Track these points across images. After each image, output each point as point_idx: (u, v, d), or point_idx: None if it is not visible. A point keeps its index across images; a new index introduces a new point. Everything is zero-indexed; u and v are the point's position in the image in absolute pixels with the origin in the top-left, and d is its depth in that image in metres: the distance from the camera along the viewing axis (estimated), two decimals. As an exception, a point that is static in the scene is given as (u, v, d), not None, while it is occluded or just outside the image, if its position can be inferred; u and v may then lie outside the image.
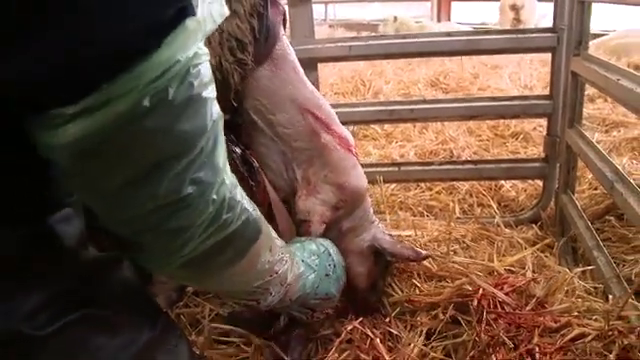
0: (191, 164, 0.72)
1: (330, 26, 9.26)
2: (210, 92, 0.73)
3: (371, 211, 1.46)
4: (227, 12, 0.77)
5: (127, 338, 0.86)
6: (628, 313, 1.24)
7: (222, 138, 0.79)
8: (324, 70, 4.59)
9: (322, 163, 1.33)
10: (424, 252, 1.45)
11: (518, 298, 1.37)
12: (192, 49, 0.68)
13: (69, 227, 0.84)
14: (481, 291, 1.33)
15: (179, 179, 0.72)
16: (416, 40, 1.94)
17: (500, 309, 1.32)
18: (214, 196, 0.78)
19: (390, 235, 1.49)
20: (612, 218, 1.84)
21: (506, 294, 1.34)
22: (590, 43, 1.79)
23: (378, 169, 2.16)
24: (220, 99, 1.17)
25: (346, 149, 1.35)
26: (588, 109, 3.21)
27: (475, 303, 1.31)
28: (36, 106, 0.63)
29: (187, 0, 0.67)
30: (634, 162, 2.29)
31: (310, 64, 1.99)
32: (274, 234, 1.04)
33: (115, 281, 0.91)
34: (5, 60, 0.57)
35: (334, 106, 2.16)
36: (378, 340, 1.33)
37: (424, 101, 2.11)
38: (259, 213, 0.95)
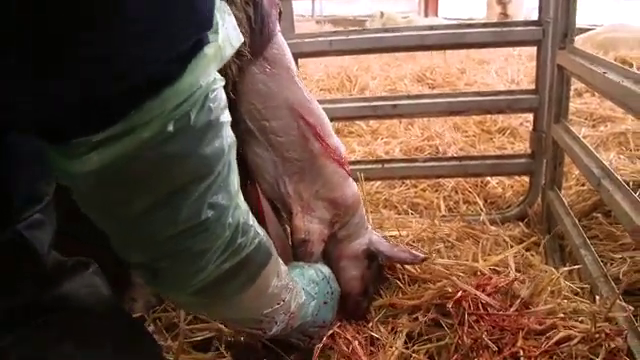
0: (209, 188, 0.73)
1: (317, 22, 9.22)
2: (226, 116, 0.74)
3: (365, 217, 1.43)
4: (242, 38, 0.78)
5: (95, 346, 0.85)
6: (615, 314, 1.20)
7: (235, 163, 0.79)
8: (310, 66, 4.55)
9: (313, 177, 1.29)
10: (422, 255, 1.43)
11: (502, 299, 1.33)
12: (212, 74, 0.69)
13: (40, 233, 0.83)
14: (460, 293, 1.29)
15: (198, 203, 0.72)
16: (398, 34, 1.89)
17: (483, 310, 1.28)
18: (230, 220, 0.79)
19: (386, 238, 1.47)
20: (599, 215, 1.80)
21: (489, 295, 1.31)
22: (578, 37, 1.76)
23: (361, 166, 2.11)
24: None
25: (336, 162, 1.31)
26: (575, 104, 3.18)
27: (455, 305, 1.28)
28: (60, 135, 0.62)
29: (205, 33, 0.67)
30: (621, 157, 2.25)
31: (290, 59, 1.94)
32: (280, 259, 1.04)
33: (83, 287, 0.90)
34: (33, 92, 0.56)
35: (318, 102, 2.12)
36: (357, 343, 1.29)
37: (408, 97, 2.06)
38: (268, 237, 0.95)
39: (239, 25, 1.12)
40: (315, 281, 1.24)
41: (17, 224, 0.79)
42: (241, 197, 0.83)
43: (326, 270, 1.31)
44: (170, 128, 0.64)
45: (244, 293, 0.91)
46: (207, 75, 0.68)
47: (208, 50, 0.67)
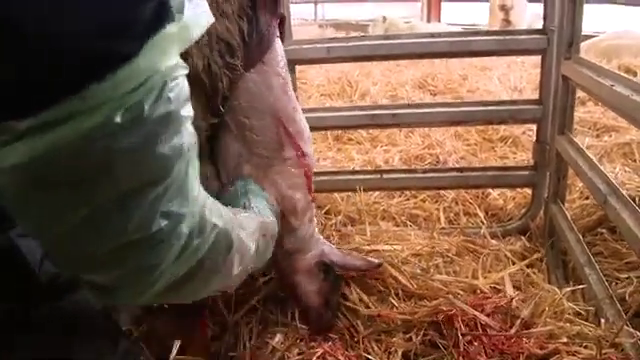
0: (163, 194, 0.62)
1: (320, 26, 9.19)
2: (188, 110, 0.63)
3: (316, 230, 1.43)
4: (212, 19, 0.67)
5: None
6: (622, 340, 1.14)
7: (196, 163, 0.69)
8: (310, 71, 4.51)
9: (275, 174, 1.28)
10: (376, 261, 1.43)
11: (502, 319, 1.28)
12: (174, 58, 0.58)
13: (33, 242, 0.78)
14: (454, 311, 1.24)
15: (150, 212, 0.62)
16: (398, 41, 1.84)
17: (482, 331, 1.23)
18: (185, 229, 0.68)
19: (339, 249, 1.47)
20: (604, 231, 1.74)
21: (488, 315, 1.25)
22: (581, 45, 1.69)
23: (360, 177, 2.07)
24: (208, 104, 1.11)
25: (304, 172, 1.31)
26: (579, 112, 3.12)
27: (449, 324, 1.24)
28: None
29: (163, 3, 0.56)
30: (627, 169, 2.19)
31: (288, 66, 1.89)
32: (244, 234, 0.93)
33: (74, 301, 0.85)
34: None
35: (314, 110, 2.07)
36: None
37: (407, 106, 2.01)
38: (228, 217, 0.85)
39: (232, 39, 1.09)
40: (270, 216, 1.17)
41: (10, 230, 0.75)
42: (201, 189, 0.73)
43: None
44: (118, 119, 0.53)
45: (210, 283, 0.84)
46: (168, 58, 0.58)
47: (171, 28, 0.57)
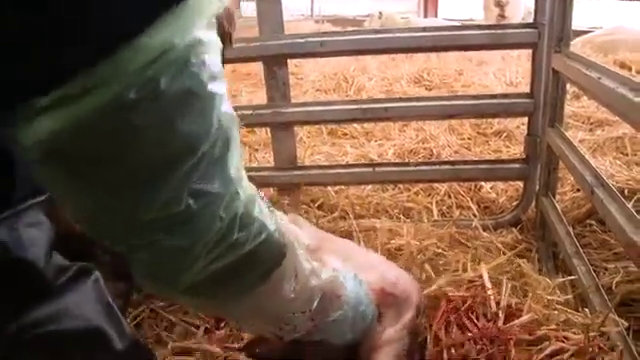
0: (191, 172, 0.60)
1: (316, 21, 9.18)
2: (218, 87, 0.60)
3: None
4: None
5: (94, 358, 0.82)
6: (609, 329, 1.16)
7: (237, 144, 0.66)
8: (305, 66, 4.51)
9: None
10: None
11: (489, 309, 1.29)
12: (194, 33, 0.56)
13: (38, 232, 0.78)
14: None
15: (179, 188, 0.60)
16: (390, 35, 1.85)
17: (467, 321, 1.24)
18: (222, 212, 0.65)
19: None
20: (594, 222, 1.77)
21: (471, 307, 1.27)
22: (577, 40, 1.72)
23: (353, 170, 2.08)
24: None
25: None
26: (573, 106, 3.15)
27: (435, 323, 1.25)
28: (7, 100, 0.52)
29: None
30: (618, 162, 2.21)
31: (279, 60, 1.90)
32: (303, 260, 0.84)
33: (82, 295, 0.85)
34: None
35: (306, 105, 2.09)
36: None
37: (400, 99, 2.03)
38: (284, 233, 0.79)
39: None
40: (364, 303, 0.97)
41: (13, 220, 0.75)
42: (245, 183, 0.70)
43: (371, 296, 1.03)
44: (132, 94, 0.52)
45: (252, 293, 0.76)
46: (187, 33, 0.55)
47: (192, 1, 0.55)
